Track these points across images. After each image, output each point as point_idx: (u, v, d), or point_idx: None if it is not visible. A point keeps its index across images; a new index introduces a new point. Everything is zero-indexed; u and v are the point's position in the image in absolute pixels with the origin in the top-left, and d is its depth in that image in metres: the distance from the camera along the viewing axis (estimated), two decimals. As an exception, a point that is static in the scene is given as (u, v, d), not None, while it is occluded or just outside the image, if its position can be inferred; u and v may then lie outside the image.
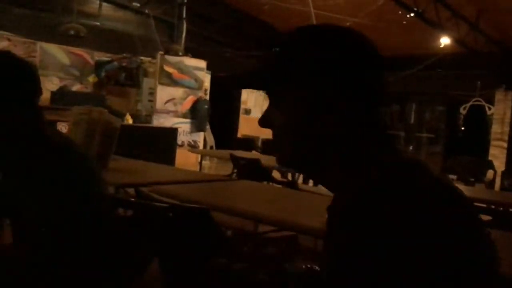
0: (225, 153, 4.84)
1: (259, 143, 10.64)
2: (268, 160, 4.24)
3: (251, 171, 3.93)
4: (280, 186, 3.92)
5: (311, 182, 5.53)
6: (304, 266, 1.31)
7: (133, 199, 1.79)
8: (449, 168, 7.95)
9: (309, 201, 2.78)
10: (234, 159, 4.23)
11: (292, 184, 3.95)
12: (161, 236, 1.68)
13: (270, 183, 4.06)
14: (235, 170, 4.89)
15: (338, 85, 0.72)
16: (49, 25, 9.01)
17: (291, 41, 0.79)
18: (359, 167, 0.70)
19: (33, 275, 1.28)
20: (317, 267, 1.32)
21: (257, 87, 0.84)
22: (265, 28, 11.97)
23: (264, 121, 0.80)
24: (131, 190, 2.72)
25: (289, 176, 5.14)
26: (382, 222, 0.59)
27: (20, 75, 1.26)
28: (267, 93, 0.81)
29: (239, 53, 12.00)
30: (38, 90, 1.31)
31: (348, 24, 5.74)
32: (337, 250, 0.63)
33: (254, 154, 6.14)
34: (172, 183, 2.58)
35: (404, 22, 8.72)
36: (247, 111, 12.91)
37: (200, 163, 5.63)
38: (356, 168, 0.71)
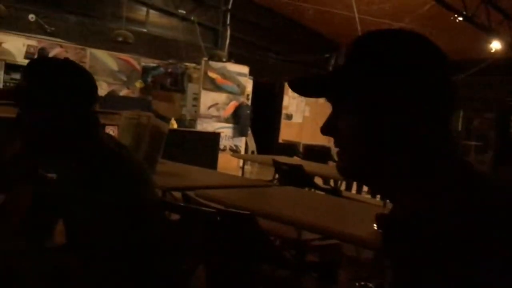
0: (267, 158, 4.86)
1: (301, 149, 10.60)
2: (310, 166, 4.23)
3: (293, 177, 3.92)
4: (323, 193, 3.89)
5: (354, 189, 5.45)
6: (357, 284, 1.30)
7: (181, 203, 1.83)
8: (499, 177, 7.61)
9: (353, 208, 2.75)
10: (276, 165, 4.24)
11: (335, 191, 3.92)
12: (208, 241, 1.71)
13: (313, 190, 4.04)
14: (277, 176, 4.90)
15: (409, 88, 0.70)
16: (99, 32, 9.35)
17: (359, 46, 0.76)
18: (428, 178, 0.67)
19: (84, 277, 1.32)
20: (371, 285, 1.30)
21: (319, 94, 0.82)
22: (308, 33, 11.94)
23: (327, 129, 0.78)
24: (177, 194, 2.78)
25: (332, 183, 5.09)
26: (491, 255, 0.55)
27: (80, 81, 1.31)
28: (329, 99, 0.79)
29: (282, 58, 12.02)
30: (95, 96, 1.36)
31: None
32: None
33: (296, 160, 6.13)
34: (217, 188, 2.62)
35: (453, 27, 8.48)
36: (289, 116, 12.89)
37: (243, 168, 5.68)
38: (425, 180, 0.68)
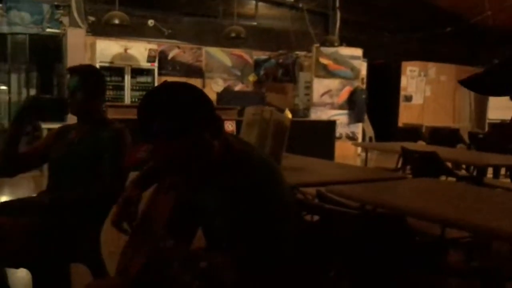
0: (393, 145, 4.54)
1: (424, 132, 9.91)
2: (441, 151, 3.83)
3: (426, 165, 3.59)
4: (463, 182, 3.50)
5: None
6: None
7: (321, 204, 1.70)
8: None
9: (503, 200, 2.39)
10: (406, 153, 3.92)
11: (478, 180, 3.49)
12: (351, 245, 1.55)
13: (449, 179, 3.66)
14: (400, 163, 4.56)
15: None
16: (212, 30, 9.63)
17: None
18: None
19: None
20: None
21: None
22: (424, 7, 11.08)
23: None
24: (304, 189, 2.65)
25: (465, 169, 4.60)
26: None
27: (198, 101, 1.22)
28: None
29: (397, 37, 11.33)
30: (212, 108, 1.25)
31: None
32: None
33: (421, 145, 5.68)
34: (349, 183, 2.44)
35: None
36: (408, 98, 12.12)
37: (366, 157, 5.40)
38: None
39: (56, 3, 8.16)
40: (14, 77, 8.97)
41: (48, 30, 8.22)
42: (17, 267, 1.93)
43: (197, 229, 1.38)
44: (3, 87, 9.53)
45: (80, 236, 2.05)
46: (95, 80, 2.21)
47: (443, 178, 3.63)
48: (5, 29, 7.97)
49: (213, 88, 9.74)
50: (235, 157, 1.28)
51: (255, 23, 10.06)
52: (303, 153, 3.69)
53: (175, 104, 1.18)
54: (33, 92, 9.30)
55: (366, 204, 2.04)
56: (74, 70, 2.18)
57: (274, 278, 1.26)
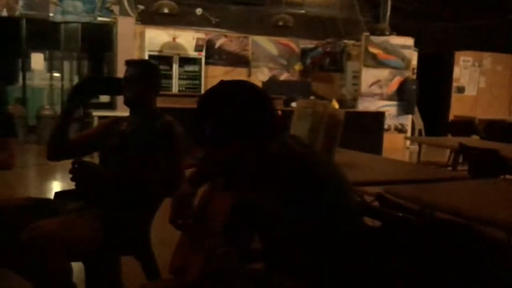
0: (449, 141, 4.33)
1: (478, 124, 9.48)
2: (505, 148, 3.60)
3: (485, 163, 3.39)
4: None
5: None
6: None
7: (383, 209, 1.61)
8: None
9: None
10: (463, 149, 3.72)
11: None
12: (414, 255, 1.46)
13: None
14: (452, 159, 4.35)
15: None
16: (259, 19, 9.54)
17: None
18: None
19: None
20: None
21: None
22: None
23: None
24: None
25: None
26: None
27: (255, 101, 1.14)
28: None
29: (450, 25, 10.83)
30: (272, 109, 1.18)
31: None
32: None
33: (475, 140, 5.40)
34: (408, 182, 2.32)
35: None
36: (460, 89, 11.61)
37: (419, 152, 5.18)
38: None
39: (107, -8, 8.33)
40: (66, 65, 9.25)
41: (99, 18, 8.39)
42: (77, 260, 1.96)
43: (254, 233, 1.33)
44: (57, 74, 9.86)
45: (133, 228, 2.05)
46: (152, 73, 2.21)
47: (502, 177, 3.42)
48: (58, 18, 8.19)
49: (259, 77, 9.68)
50: (295, 160, 1.21)
51: (303, 11, 9.88)
52: (350, 145, 3.57)
53: (229, 110, 1.11)
54: (84, 79, 9.56)
55: (425, 207, 1.93)
56: (132, 62, 2.19)
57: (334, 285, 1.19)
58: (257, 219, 1.28)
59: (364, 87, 9.76)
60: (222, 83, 1.17)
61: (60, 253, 1.70)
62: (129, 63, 2.19)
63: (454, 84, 11.51)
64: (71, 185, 2.10)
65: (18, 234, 1.79)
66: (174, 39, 8.73)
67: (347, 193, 1.24)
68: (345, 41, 10.26)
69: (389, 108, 9.76)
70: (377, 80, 9.79)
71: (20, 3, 7.87)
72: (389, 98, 9.91)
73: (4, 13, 7.83)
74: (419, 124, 10.67)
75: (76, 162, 1.85)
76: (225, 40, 9.59)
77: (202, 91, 9.14)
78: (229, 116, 1.10)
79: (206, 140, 1.11)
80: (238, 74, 9.75)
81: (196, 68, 9.05)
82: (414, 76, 10.23)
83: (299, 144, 1.29)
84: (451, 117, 11.05)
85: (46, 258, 1.67)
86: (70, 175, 1.88)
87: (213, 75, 9.51)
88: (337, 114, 2.75)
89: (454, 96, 11.54)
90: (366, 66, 9.73)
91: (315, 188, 1.17)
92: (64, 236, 1.72)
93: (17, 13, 7.91)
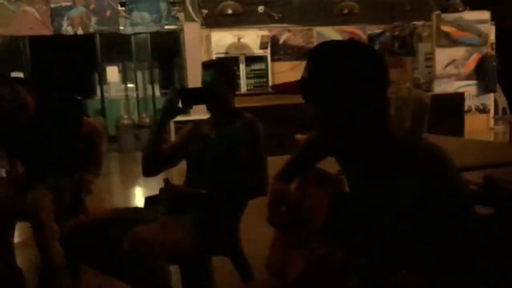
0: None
1: None
2: None
3: None
4: None
5: None
6: None
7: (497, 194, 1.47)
8: None
9: None
10: None
11: None
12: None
13: None
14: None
15: None
16: (322, 9, 9.36)
17: None
18: None
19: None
20: None
21: None
22: None
23: None
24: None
25: None
26: None
27: (368, 61, 1.10)
28: None
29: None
30: (387, 79, 1.12)
31: None
32: None
33: None
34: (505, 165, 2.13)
35: None
36: (547, 61, 10.71)
37: (511, 132, 4.79)
38: None
39: (171, 0, 8.54)
40: (139, 75, 9.62)
41: (166, 27, 8.64)
42: (175, 263, 1.99)
43: (357, 226, 1.25)
44: (131, 85, 10.30)
45: (224, 228, 2.05)
46: (229, 73, 2.20)
47: None
48: (128, 30, 8.54)
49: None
50: (398, 143, 1.13)
51: (366, -4, 9.58)
52: (429, 130, 3.39)
53: (350, 59, 1.10)
54: (157, 87, 9.91)
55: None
56: (209, 64, 2.19)
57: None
58: (363, 211, 1.20)
59: (439, 69, 9.27)
60: (351, 40, 1.19)
61: (160, 257, 1.73)
62: (206, 65, 2.19)
63: (540, 56, 10.64)
64: (154, 190, 2.16)
65: (118, 243, 1.85)
66: (239, 39, 8.79)
67: (460, 179, 1.14)
68: (414, 22, 9.79)
69: (468, 88, 9.21)
70: (453, 60, 9.26)
71: (93, 20, 8.29)
72: (467, 77, 9.35)
73: (80, 31, 8.29)
74: (503, 102, 9.96)
75: (166, 189, 1.91)
76: (289, 34, 9.51)
77: (270, 89, 9.14)
78: (334, 63, 1.10)
79: (310, 87, 1.12)
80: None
81: (262, 66, 9.05)
82: (493, 52, 9.56)
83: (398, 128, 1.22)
84: (539, 92, 10.21)
85: (148, 262, 1.70)
86: (160, 198, 1.96)
87: (280, 71, 9.46)
88: (422, 97, 2.60)
89: (541, 69, 10.67)
90: (440, 46, 9.23)
91: (448, 177, 1.07)
92: (163, 240, 1.75)
93: (91, 29, 8.34)
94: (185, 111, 2.15)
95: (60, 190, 2.64)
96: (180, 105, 2.08)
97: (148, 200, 2.29)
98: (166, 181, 1.97)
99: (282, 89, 1.22)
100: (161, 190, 1.97)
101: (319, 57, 1.14)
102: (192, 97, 2.10)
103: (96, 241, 1.95)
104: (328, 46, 1.16)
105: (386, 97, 1.15)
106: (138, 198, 5.52)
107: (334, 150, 1.31)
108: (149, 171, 2.17)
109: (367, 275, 1.05)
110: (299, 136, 3.61)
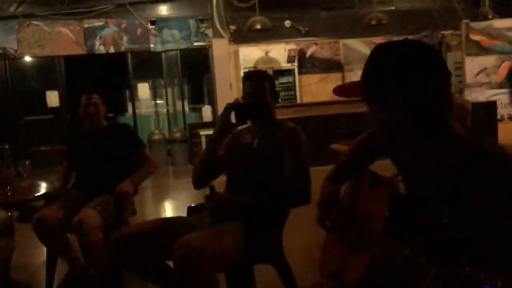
0: None
1: None
2: None
3: None
4: None
5: None
6: None
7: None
8: None
9: None
10: None
11: None
12: None
13: None
14: None
15: None
16: (349, 21, 9.38)
17: None
18: None
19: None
20: None
21: None
22: None
23: None
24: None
25: None
26: None
27: (431, 61, 1.09)
28: None
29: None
30: (446, 76, 1.11)
31: None
32: None
33: None
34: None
35: None
36: None
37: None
38: None
39: (200, 17, 8.71)
40: (169, 91, 9.80)
41: (196, 43, 8.80)
42: (222, 271, 2.01)
43: (419, 228, 1.24)
44: (160, 101, 10.49)
45: (270, 236, 2.07)
46: (273, 83, 2.24)
47: None
48: (159, 47, 8.73)
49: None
50: (460, 142, 1.10)
51: (393, 8, 9.55)
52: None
53: (410, 57, 1.09)
54: (186, 103, 10.05)
55: None
56: (250, 76, 2.23)
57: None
58: (423, 213, 1.19)
59: (469, 78, 9.12)
60: (403, 41, 1.16)
61: (210, 266, 1.75)
62: (249, 77, 2.23)
63: None
64: (186, 203, 2.19)
65: (165, 251, 1.89)
66: (266, 53, 8.88)
67: None
68: (442, 32, 9.70)
69: (501, 97, 9.02)
70: (484, 68, 9.11)
71: (125, 38, 8.51)
72: (499, 86, 9.17)
73: (112, 49, 8.52)
74: (537, 110, 9.73)
75: (212, 196, 1.95)
76: (316, 47, 9.55)
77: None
78: (403, 72, 1.07)
79: (373, 94, 1.12)
80: (332, 80, 9.63)
81: (290, 79, 9.10)
82: (525, 59, 9.38)
83: (461, 128, 1.19)
84: None
85: (198, 271, 1.72)
86: (206, 206, 2.00)
87: (307, 84, 9.48)
88: (464, 104, 2.58)
89: None
90: (469, 55, 9.10)
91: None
92: (212, 249, 1.78)
93: (122, 48, 8.56)
94: (239, 126, 2.19)
95: (106, 209, 2.70)
96: (234, 120, 2.11)
97: (190, 209, 2.34)
98: (212, 188, 2.01)
99: (343, 90, 1.23)
100: (207, 197, 2.01)
101: (376, 58, 1.15)
102: (246, 111, 2.12)
103: (144, 250, 1.99)
104: (384, 47, 1.17)
105: (448, 94, 1.12)
106: (170, 211, 5.60)
107: (391, 151, 1.30)
108: (200, 184, 2.21)
109: (431, 272, 1.03)
110: (334, 146, 3.63)
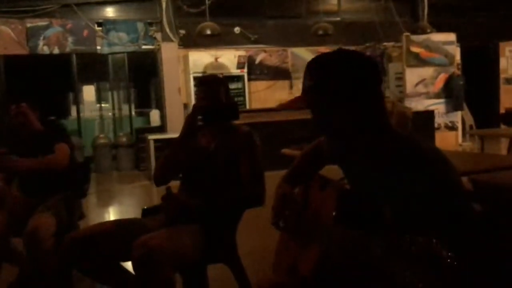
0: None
1: (534, 115, 9.12)
2: None
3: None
4: None
5: None
6: None
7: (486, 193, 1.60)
8: None
9: None
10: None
11: None
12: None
13: None
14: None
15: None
16: (297, 30, 9.62)
17: None
18: None
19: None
20: None
21: None
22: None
23: None
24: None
25: None
26: None
27: (361, 66, 1.24)
28: None
29: (491, 15, 10.56)
30: (380, 79, 1.25)
31: None
32: None
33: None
34: (487, 171, 2.29)
35: None
36: (509, 81, 11.26)
37: (482, 146, 5.03)
38: None
39: (149, 21, 8.62)
40: (115, 94, 9.59)
41: (144, 47, 8.69)
42: (180, 270, 2.03)
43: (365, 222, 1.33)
44: (106, 105, 10.24)
45: (225, 236, 2.11)
46: (225, 88, 2.29)
47: None
48: (105, 50, 8.54)
49: (300, 88, 9.71)
50: (397, 138, 1.24)
51: (338, 19, 9.90)
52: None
53: (345, 66, 1.22)
54: (133, 106, 9.88)
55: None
56: (210, 80, 2.28)
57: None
58: (368, 205, 1.29)
59: (409, 88, 9.62)
60: (342, 49, 1.28)
61: (170, 264, 1.77)
62: (206, 81, 2.28)
63: (502, 76, 11.16)
64: (133, 208, 2.19)
65: (120, 253, 1.88)
66: (216, 59, 8.92)
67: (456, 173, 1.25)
68: (385, 43, 10.17)
69: (438, 106, 9.57)
70: (422, 79, 9.64)
71: (70, 39, 8.27)
72: (436, 96, 9.72)
73: (56, 50, 8.24)
74: (469, 119, 10.39)
75: (168, 196, 1.98)
76: (265, 55, 9.71)
77: (247, 107, 9.25)
78: (345, 71, 1.21)
79: (315, 89, 1.23)
80: (280, 87, 9.82)
81: (239, 85, 9.19)
82: (459, 72, 10.00)
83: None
84: (502, 110, 10.69)
85: (159, 270, 1.73)
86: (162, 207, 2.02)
87: (256, 90, 9.62)
88: (405, 111, 2.75)
89: (503, 88, 11.19)
90: (410, 66, 9.60)
91: (450, 172, 1.18)
92: (171, 247, 1.79)
93: (67, 49, 8.31)
94: (206, 126, 2.22)
95: (59, 212, 2.64)
96: (200, 122, 2.14)
97: (145, 211, 2.34)
98: (169, 190, 2.03)
99: (288, 107, 1.34)
100: (163, 198, 2.02)
101: (316, 68, 1.26)
102: (212, 114, 2.16)
103: (99, 251, 1.97)
104: (322, 58, 1.28)
105: (382, 96, 1.28)
106: (117, 217, 5.48)
107: (338, 155, 1.41)
108: (162, 181, 2.22)
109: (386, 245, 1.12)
110: (285, 150, 3.73)
